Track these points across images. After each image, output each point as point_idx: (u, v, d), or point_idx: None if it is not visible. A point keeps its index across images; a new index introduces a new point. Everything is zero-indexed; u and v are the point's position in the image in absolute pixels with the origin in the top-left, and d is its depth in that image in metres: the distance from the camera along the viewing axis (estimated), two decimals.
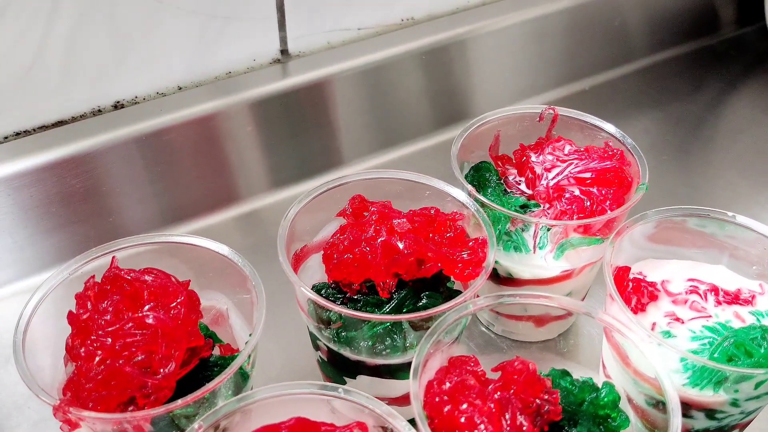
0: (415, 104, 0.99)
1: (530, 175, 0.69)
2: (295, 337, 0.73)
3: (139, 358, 0.52)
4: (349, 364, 0.60)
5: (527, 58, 1.06)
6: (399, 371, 0.60)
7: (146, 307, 0.54)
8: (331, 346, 0.60)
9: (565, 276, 0.67)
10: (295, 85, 0.89)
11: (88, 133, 0.78)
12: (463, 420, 0.49)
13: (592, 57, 1.12)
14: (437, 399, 0.50)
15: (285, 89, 0.88)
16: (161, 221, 0.85)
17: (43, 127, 0.78)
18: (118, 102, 0.81)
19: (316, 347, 0.63)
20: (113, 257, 0.57)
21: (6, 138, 0.77)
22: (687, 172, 0.97)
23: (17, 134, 0.77)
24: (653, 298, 0.61)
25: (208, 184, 0.88)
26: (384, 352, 0.58)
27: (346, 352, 0.59)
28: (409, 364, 0.60)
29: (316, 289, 0.61)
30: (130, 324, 0.53)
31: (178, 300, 0.54)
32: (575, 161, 0.69)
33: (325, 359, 0.63)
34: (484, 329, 0.74)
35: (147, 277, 0.56)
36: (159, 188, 0.84)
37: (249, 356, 0.53)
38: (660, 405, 0.57)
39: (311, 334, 0.63)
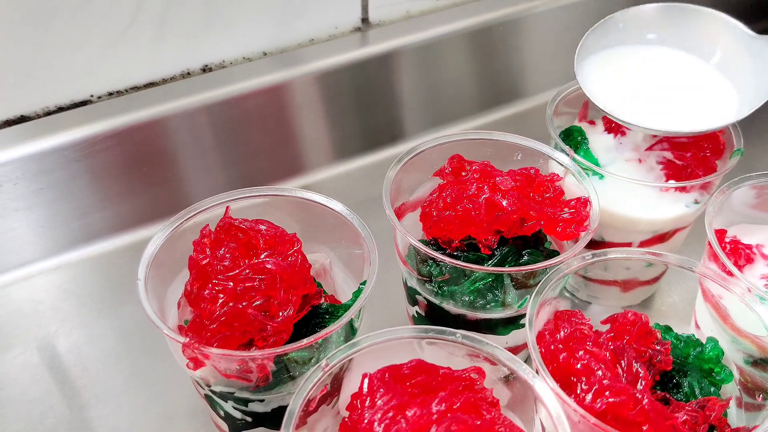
0: (484, 78, 1.00)
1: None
2: (380, 298, 0.73)
3: (258, 302, 0.53)
4: (449, 319, 0.62)
5: None
6: (498, 326, 0.61)
7: (263, 255, 0.55)
8: (433, 299, 0.61)
9: (656, 239, 0.68)
10: (371, 54, 0.90)
11: (177, 95, 0.79)
12: (579, 366, 0.50)
13: None
14: (552, 347, 0.52)
15: (362, 58, 0.89)
16: (228, 188, 0.86)
17: (135, 88, 0.80)
18: (206, 65, 0.83)
19: (414, 302, 0.65)
20: (227, 207, 0.59)
21: (100, 98, 0.78)
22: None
23: (110, 94, 0.79)
24: (749, 260, 0.62)
25: (277, 152, 0.89)
26: (487, 306, 0.60)
27: (449, 306, 0.61)
28: (509, 319, 0.61)
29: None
30: (248, 270, 0.54)
31: (295, 248, 0.56)
32: None
33: (423, 314, 0.64)
34: (568, 295, 0.75)
35: (261, 227, 0.57)
36: (231, 155, 0.86)
37: (360, 309, 0.55)
38: (759, 363, 0.58)
39: (410, 289, 0.64)
